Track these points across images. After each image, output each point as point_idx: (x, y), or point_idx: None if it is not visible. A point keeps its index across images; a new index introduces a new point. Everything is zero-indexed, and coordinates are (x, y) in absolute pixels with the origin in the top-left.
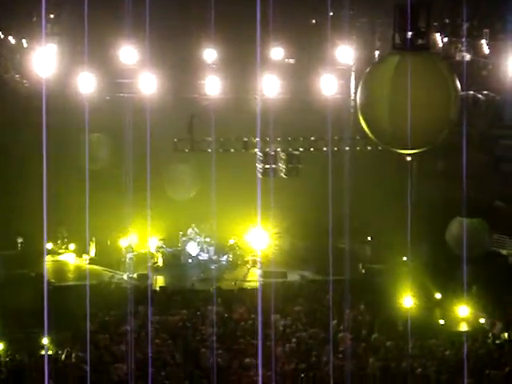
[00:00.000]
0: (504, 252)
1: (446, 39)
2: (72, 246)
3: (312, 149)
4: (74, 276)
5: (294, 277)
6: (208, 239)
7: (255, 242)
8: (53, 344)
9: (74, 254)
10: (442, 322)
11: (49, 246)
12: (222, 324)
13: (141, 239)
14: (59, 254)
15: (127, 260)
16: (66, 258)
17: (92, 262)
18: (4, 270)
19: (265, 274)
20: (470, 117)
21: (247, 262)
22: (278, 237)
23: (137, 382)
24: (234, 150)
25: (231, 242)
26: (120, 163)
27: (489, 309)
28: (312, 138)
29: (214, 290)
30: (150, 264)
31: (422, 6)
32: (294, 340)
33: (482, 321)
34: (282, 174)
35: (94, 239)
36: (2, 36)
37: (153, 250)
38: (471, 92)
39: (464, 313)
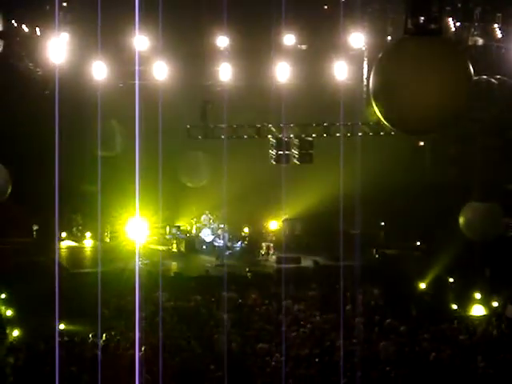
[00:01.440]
0: None
1: (458, 24)
2: (87, 234)
3: (325, 134)
4: (89, 263)
5: (307, 262)
6: (222, 225)
7: (268, 227)
8: (69, 331)
9: (90, 241)
10: (455, 306)
11: (64, 233)
12: (236, 309)
13: (154, 225)
14: (75, 240)
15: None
16: (82, 245)
17: (106, 248)
18: (20, 258)
19: (278, 260)
20: (483, 101)
21: (261, 247)
22: (288, 222)
23: (151, 367)
24: (248, 136)
25: (246, 230)
26: (133, 150)
27: (502, 292)
28: (325, 124)
29: (228, 275)
30: (164, 250)
31: None
32: (307, 325)
33: (496, 304)
34: (295, 161)
35: (108, 226)
36: (16, 25)
37: (167, 237)
38: (484, 76)
39: (477, 296)
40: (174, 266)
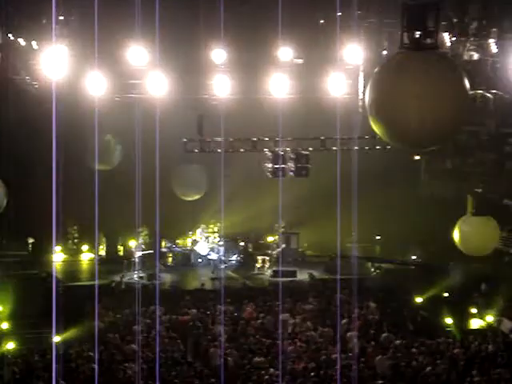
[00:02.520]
0: None
1: (453, 38)
2: (83, 247)
3: (321, 148)
4: (84, 276)
5: (303, 276)
6: (218, 239)
7: (264, 241)
8: (64, 344)
9: (85, 254)
10: (450, 320)
11: (59, 247)
12: (231, 323)
13: (151, 239)
14: (70, 254)
15: (137, 259)
16: (77, 258)
17: (102, 261)
18: (15, 271)
19: (274, 273)
20: (478, 116)
21: (257, 261)
22: (284, 235)
23: (147, 381)
24: (244, 149)
25: (241, 243)
26: (130, 164)
27: (498, 307)
28: (321, 138)
29: (224, 289)
30: (159, 264)
31: (430, 6)
32: (303, 339)
33: (491, 319)
34: (291, 174)
35: (104, 239)
36: (12, 38)
37: (163, 250)
38: (480, 91)
39: (473, 311)
40: (169, 279)
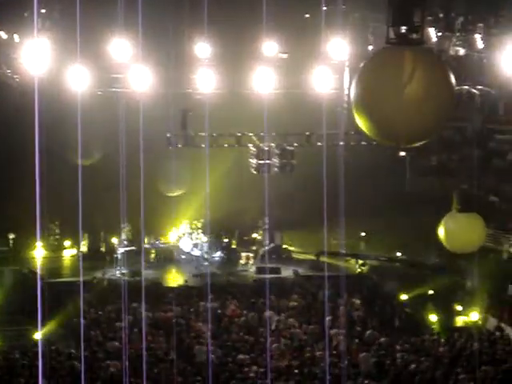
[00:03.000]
0: (498, 247)
1: (440, 33)
2: (64, 243)
3: (306, 144)
4: (66, 272)
5: (287, 272)
6: (201, 235)
7: (248, 237)
8: (45, 341)
9: (67, 250)
10: (435, 318)
11: (40, 242)
12: (215, 320)
13: (134, 235)
14: (52, 250)
15: (119, 256)
16: (59, 254)
17: (84, 257)
18: None
19: (258, 270)
20: (464, 111)
21: (241, 257)
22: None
23: (130, 378)
24: (228, 145)
25: (225, 239)
26: (112, 158)
27: (483, 305)
28: (307, 133)
29: (208, 285)
30: (142, 260)
31: (416, 1)
32: (287, 336)
33: (476, 316)
34: (276, 170)
35: (86, 235)
36: None
37: (146, 246)
38: (466, 87)
39: (458, 309)
40: (152, 276)
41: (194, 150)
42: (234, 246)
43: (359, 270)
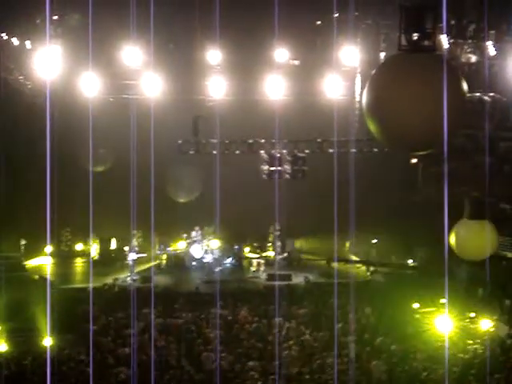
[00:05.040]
0: (510, 255)
1: (451, 41)
2: (76, 249)
3: (318, 150)
4: (77, 278)
5: (298, 279)
6: (212, 241)
7: (258, 244)
8: (56, 347)
9: (78, 256)
10: (447, 325)
11: (51, 248)
12: (225, 327)
13: (145, 241)
14: (62, 256)
15: (130, 262)
16: (70, 260)
17: (95, 263)
18: (7, 273)
19: (269, 277)
20: (476, 118)
21: (252, 264)
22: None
23: None
24: (239, 151)
25: (236, 246)
26: (124, 165)
27: (495, 312)
28: (318, 140)
29: (218, 292)
30: (153, 266)
31: (428, 8)
32: (298, 343)
33: (488, 324)
34: (288, 176)
35: (97, 241)
36: (6, 37)
37: (157, 252)
38: (477, 94)
39: (470, 316)
40: (163, 282)
41: (206, 156)
42: (245, 253)
43: (369, 274)
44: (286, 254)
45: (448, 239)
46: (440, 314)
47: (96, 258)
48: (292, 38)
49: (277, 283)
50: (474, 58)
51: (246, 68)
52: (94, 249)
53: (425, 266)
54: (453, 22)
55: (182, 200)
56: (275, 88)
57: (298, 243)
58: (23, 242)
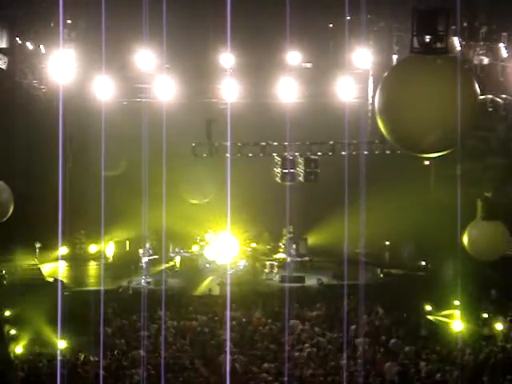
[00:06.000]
0: None
1: (463, 43)
2: (90, 252)
3: (330, 153)
4: (91, 281)
5: (311, 281)
6: (226, 244)
7: (272, 246)
8: (70, 349)
9: (92, 259)
10: (460, 326)
11: (66, 250)
12: (239, 329)
13: (158, 243)
14: (77, 259)
15: (144, 264)
16: (84, 263)
17: (109, 266)
18: (23, 276)
19: (282, 279)
20: (488, 120)
21: (265, 266)
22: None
23: None
24: (252, 154)
25: (250, 248)
26: (138, 168)
27: (508, 313)
28: (330, 143)
29: (231, 294)
30: (167, 268)
31: (440, 10)
32: (312, 345)
33: (501, 325)
34: (301, 179)
35: (112, 244)
36: (20, 42)
37: (171, 255)
38: (490, 96)
39: (483, 317)
40: (177, 284)
41: (220, 158)
42: (258, 255)
43: (381, 275)
44: (299, 257)
45: (461, 239)
46: (453, 316)
47: (110, 260)
48: (304, 40)
49: (290, 285)
50: (486, 60)
51: (259, 71)
52: (109, 251)
53: (438, 268)
54: (465, 24)
55: (195, 201)
56: (288, 91)
57: (311, 245)
58: (38, 245)
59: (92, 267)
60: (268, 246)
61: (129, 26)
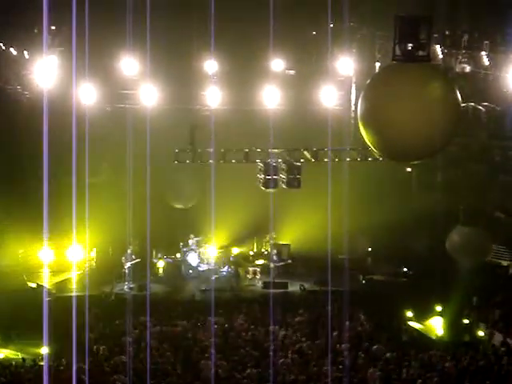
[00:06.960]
0: (504, 263)
1: (446, 51)
2: (73, 257)
3: (313, 160)
4: (75, 286)
5: (294, 287)
6: (208, 250)
7: (255, 252)
8: (53, 355)
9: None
10: (441, 333)
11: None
12: (222, 335)
13: (141, 249)
14: (60, 264)
15: (127, 270)
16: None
17: (93, 272)
18: (5, 281)
19: (265, 285)
20: (470, 128)
21: (248, 272)
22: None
23: None
24: (236, 160)
25: (232, 255)
26: (121, 174)
27: (489, 320)
28: (313, 149)
29: (214, 300)
30: (149, 274)
31: (422, 18)
32: (294, 351)
33: (483, 332)
34: (283, 185)
35: (94, 250)
36: (4, 47)
37: (154, 260)
38: (471, 103)
39: (465, 324)
40: (159, 290)
41: (203, 165)
42: (241, 261)
43: (363, 281)
44: (281, 262)
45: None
46: (435, 322)
47: (93, 266)
48: (288, 48)
49: (273, 291)
50: (468, 68)
51: (242, 77)
52: (92, 257)
53: (419, 274)
54: (447, 33)
55: (178, 206)
56: (271, 97)
57: (294, 251)
58: (21, 250)
59: (75, 273)
60: (251, 252)
61: (113, 32)
